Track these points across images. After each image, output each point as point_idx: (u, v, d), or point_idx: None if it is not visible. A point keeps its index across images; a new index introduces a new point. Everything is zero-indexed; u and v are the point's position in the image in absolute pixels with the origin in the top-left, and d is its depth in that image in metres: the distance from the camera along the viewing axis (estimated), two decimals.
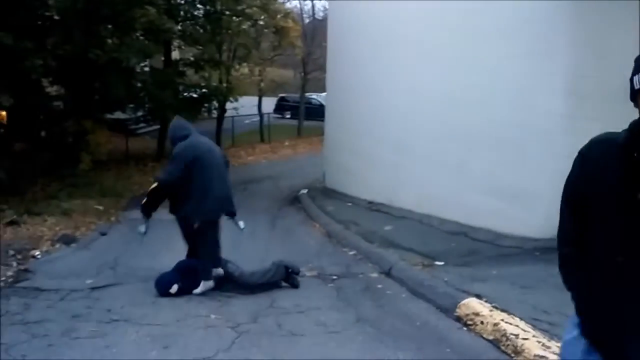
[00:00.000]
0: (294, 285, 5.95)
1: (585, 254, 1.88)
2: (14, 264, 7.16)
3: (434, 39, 8.41)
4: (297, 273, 6.07)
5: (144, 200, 6.20)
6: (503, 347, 3.97)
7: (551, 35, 6.69)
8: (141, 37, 15.44)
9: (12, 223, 9.09)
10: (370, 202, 10.20)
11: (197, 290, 5.63)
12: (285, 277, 5.96)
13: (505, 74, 7.19)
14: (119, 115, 20.16)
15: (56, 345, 4.33)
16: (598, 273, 1.83)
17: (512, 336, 3.91)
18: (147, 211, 6.13)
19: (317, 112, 29.16)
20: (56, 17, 14.12)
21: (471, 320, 4.45)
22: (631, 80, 1.76)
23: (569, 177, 1.99)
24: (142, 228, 6.16)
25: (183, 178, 5.54)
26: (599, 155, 1.85)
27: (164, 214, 6.29)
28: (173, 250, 6.55)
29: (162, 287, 5.63)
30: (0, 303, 5.30)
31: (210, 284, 5.70)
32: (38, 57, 12.07)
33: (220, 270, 5.79)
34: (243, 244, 7.41)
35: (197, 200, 5.56)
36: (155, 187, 5.97)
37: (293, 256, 6.82)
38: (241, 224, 6.14)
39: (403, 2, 9.16)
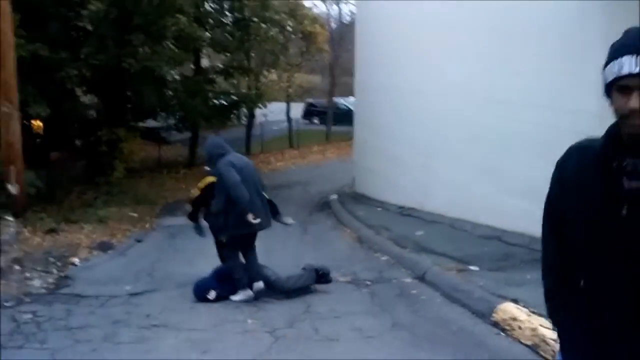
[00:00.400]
0: (327, 281, 6.02)
1: (572, 285, 1.63)
2: (54, 270, 7.36)
3: (464, 40, 8.36)
4: (328, 273, 6.14)
5: (190, 211, 6.41)
6: (542, 352, 3.94)
7: (583, 35, 6.61)
8: (172, 46, 15.72)
9: (50, 231, 9.32)
10: (400, 207, 10.17)
11: (235, 298, 5.70)
12: (317, 279, 6.03)
13: (537, 75, 7.11)
14: (151, 123, 20.59)
15: (99, 350, 4.44)
16: (583, 309, 1.61)
17: (551, 341, 3.87)
18: (194, 218, 6.33)
19: (345, 117, 29.15)
20: (89, 28, 14.48)
21: (508, 325, 4.42)
22: (603, 71, 1.49)
23: (548, 193, 1.77)
24: (198, 230, 6.43)
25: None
26: (577, 166, 1.63)
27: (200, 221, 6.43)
28: (208, 256, 6.66)
29: (200, 292, 5.73)
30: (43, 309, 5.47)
31: (249, 293, 5.76)
32: (73, 67, 12.39)
33: (260, 284, 5.84)
34: (276, 249, 7.48)
35: (236, 216, 5.59)
36: (202, 190, 6.18)
37: (325, 261, 6.84)
38: (289, 220, 6.25)
39: (431, 3, 9.13)
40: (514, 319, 4.39)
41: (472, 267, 6.22)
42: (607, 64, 1.46)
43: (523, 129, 7.27)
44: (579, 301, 1.61)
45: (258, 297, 5.78)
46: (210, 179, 6.11)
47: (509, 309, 4.57)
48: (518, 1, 7.35)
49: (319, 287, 6.04)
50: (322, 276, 6.07)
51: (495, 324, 4.58)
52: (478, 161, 8.13)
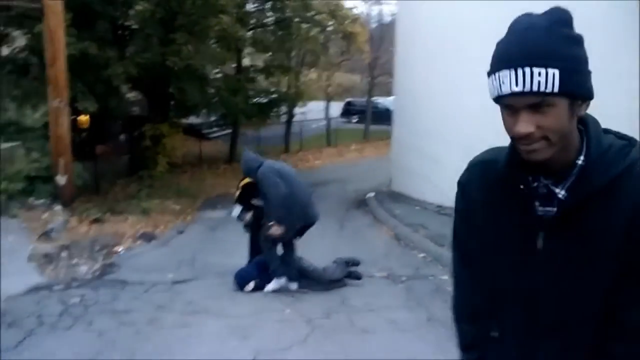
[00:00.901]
0: (357, 277, 6.12)
1: (484, 334, 1.42)
2: (100, 258, 7.65)
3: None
4: (357, 264, 6.25)
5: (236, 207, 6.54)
6: None
7: (619, 35, 6.55)
8: (214, 45, 15.99)
9: (96, 221, 9.63)
10: (439, 206, 10.16)
11: (269, 287, 5.86)
12: (348, 272, 6.17)
13: (625, 76, 7.01)
14: (192, 119, 21.00)
15: (143, 333, 4.64)
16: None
17: None
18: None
19: (383, 116, 29.16)
20: (135, 27, 14.89)
21: None
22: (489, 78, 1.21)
23: (454, 220, 1.53)
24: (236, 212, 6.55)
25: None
26: (481, 187, 1.37)
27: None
28: (246, 248, 6.81)
29: (241, 281, 5.90)
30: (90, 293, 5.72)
31: (282, 281, 5.91)
32: (119, 65, 12.76)
33: (294, 285, 6.00)
34: (313, 244, 7.58)
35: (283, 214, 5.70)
36: (244, 187, 6.33)
37: (361, 257, 6.93)
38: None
39: (472, 3, 9.11)
40: None
41: None
42: (488, 74, 1.21)
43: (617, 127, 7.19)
44: (491, 356, 1.41)
45: (305, 286, 5.95)
46: (246, 180, 6.29)
47: None
48: (557, 1, 7.29)
49: (354, 282, 6.14)
50: (352, 266, 6.21)
51: None
52: None
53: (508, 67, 1.13)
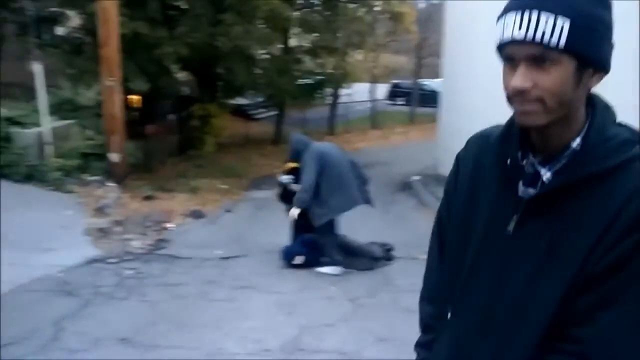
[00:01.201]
0: (388, 258, 6.18)
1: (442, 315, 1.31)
2: (151, 234, 7.90)
3: None
4: (390, 249, 6.35)
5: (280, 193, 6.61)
6: None
7: (619, 35, 6.35)
8: (261, 25, 16.08)
9: (147, 198, 9.92)
10: None
11: (323, 270, 5.94)
12: (383, 254, 6.28)
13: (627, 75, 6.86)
14: (239, 100, 21.25)
15: (194, 306, 4.82)
16: (447, 349, 1.30)
17: None
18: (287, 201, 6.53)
19: (429, 98, 28.78)
20: (185, 7, 15.11)
21: None
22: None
23: (443, 196, 1.40)
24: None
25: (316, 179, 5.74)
26: (474, 162, 1.26)
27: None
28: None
29: (287, 257, 6.04)
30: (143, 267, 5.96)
31: (338, 269, 5.94)
32: (169, 45, 13.00)
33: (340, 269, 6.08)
34: (357, 227, 7.65)
35: (332, 199, 5.75)
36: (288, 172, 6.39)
37: (406, 239, 6.98)
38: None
39: None
40: None
41: None
42: (497, 19, 1.07)
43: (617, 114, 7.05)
44: (444, 339, 1.30)
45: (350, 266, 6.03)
46: (292, 165, 6.35)
47: None
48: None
49: (397, 263, 6.20)
50: (388, 251, 6.27)
51: None
52: None
53: (516, 9, 1.00)
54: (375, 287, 5.35)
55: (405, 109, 29.79)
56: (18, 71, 11.90)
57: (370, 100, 27.07)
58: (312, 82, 20.18)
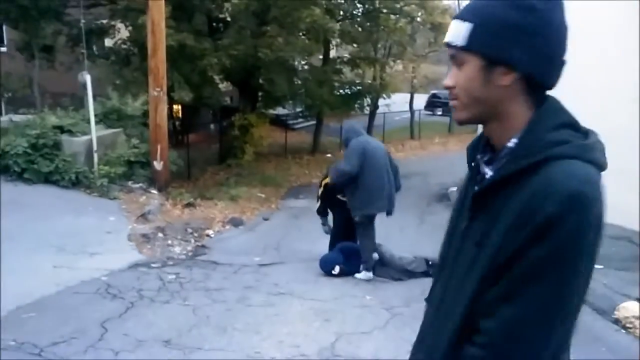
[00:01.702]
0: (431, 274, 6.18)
1: None
2: (192, 240, 8.10)
3: (602, 36, 8.04)
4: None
5: (318, 205, 6.71)
6: None
7: (619, 35, 6.28)
8: (302, 36, 16.29)
9: (188, 205, 10.16)
10: None
11: (359, 276, 6.04)
12: (426, 270, 6.22)
13: (628, 76, 6.77)
14: (278, 110, 21.51)
15: (233, 310, 4.94)
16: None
17: None
18: (324, 212, 6.70)
19: None
20: (229, 19, 15.45)
21: (630, 323, 4.36)
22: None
23: None
24: (326, 229, 6.79)
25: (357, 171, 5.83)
26: (472, 156, 1.32)
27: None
28: (328, 237, 7.00)
29: (326, 266, 6.12)
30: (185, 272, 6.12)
31: (370, 275, 6.06)
32: (214, 56, 13.31)
33: (375, 255, 6.15)
34: (393, 236, 7.70)
35: (367, 195, 5.83)
36: (326, 185, 6.45)
37: None
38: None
39: None
40: (637, 317, 4.31)
41: (596, 266, 6.05)
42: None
43: None
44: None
45: (383, 275, 6.10)
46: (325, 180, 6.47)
47: (631, 307, 4.50)
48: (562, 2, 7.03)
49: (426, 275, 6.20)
50: (431, 267, 6.25)
51: (617, 321, 4.52)
52: (610, 160, 7.76)
53: (456, 17, 1.17)
54: (411, 297, 5.37)
55: (444, 119, 29.64)
56: (68, 81, 12.39)
57: (408, 111, 27.01)
58: (351, 92, 20.27)
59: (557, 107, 1.16)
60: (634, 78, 6.80)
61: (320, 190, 6.60)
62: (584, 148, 1.09)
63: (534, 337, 1.06)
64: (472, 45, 1.12)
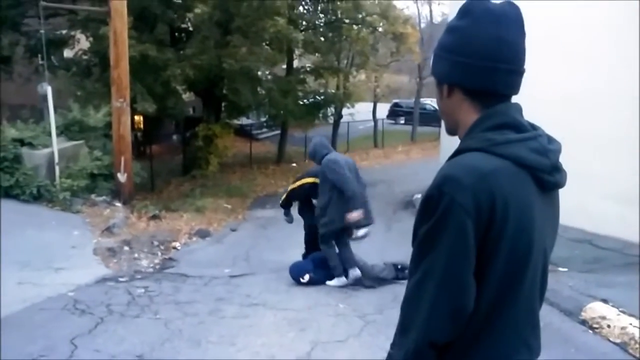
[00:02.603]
0: (405, 278, 6.24)
1: None
2: (159, 253, 7.99)
3: (551, 40, 8.26)
4: (406, 269, 6.38)
5: (283, 199, 6.82)
6: (631, 351, 4.00)
7: (619, 35, 6.51)
8: (266, 46, 16.30)
9: (154, 217, 10.03)
10: None
11: (330, 283, 6.06)
12: (395, 275, 6.31)
13: (628, 75, 7.00)
14: (242, 120, 21.45)
15: (206, 323, 4.89)
16: None
17: None
18: (287, 205, 6.79)
19: (430, 117, 29.05)
20: (191, 29, 15.36)
21: (597, 323, 4.48)
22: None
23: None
24: (288, 219, 6.87)
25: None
26: None
27: (293, 213, 6.82)
28: (297, 245, 7.03)
29: (296, 273, 6.12)
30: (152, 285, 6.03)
31: (343, 279, 6.10)
32: (177, 66, 13.21)
33: (357, 272, 6.16)
34: (361, 245, 7.72)
35: (342, 208, 5.86)
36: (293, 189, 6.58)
37: (409, 258, 7.03)
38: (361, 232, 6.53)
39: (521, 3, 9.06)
40: (603, 318, 4.45)
41: (561, 269, 6.23)
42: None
43: (616, 131, 7.17)
44: None
45: (356, 283, 6.10)
46: (309, 180, 6.47)
47: (598, 308, 4.63)
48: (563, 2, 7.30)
49: (403, 280, 6.27)
50: (400, 271, 6.33)
51: (584, 322, 4.65)
52: (571, 164, 7.92)
53: None
54: (384, 304, 5.41)
55: (407, 127, 30.01)
56: (27, 93, 12.10)
57: (372, 120, 27.27)
58: (315, 101, 20.36)
59: (498, 111, 1.28)
60: (634, 78, 6.97)
61: (290, 187, 6.69)
62: (493, 142, 1.23)
63: (413, 304, 1.23)
64: (431, 70, 1.38)
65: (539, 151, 1.26)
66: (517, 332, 1.28)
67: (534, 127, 1.31)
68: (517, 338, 1.29)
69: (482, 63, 1.25)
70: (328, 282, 6.07)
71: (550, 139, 1.33)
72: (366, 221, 6.10)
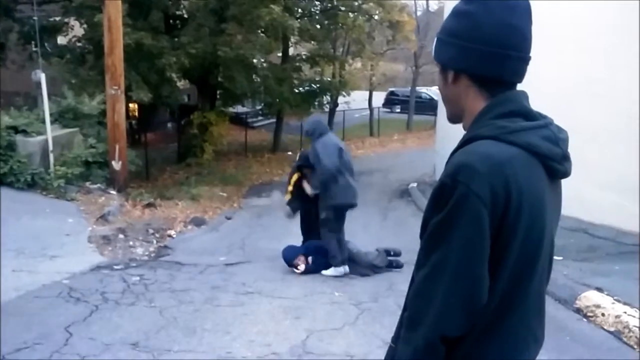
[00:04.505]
0: (398, 266, 6.26)
1: None
2: (154, 241, 7.98)
3: (548, 30, 8.24)
4: (399, 255, 6.45)
5: (289, 199, 6.62)
6: (625, 339, 4.02)
7: (619, 35, 6.52)
8: (262, 34, 16.21)
9: (149, 205, 10.01)
10: None
11: (327, 272, 6.06)
12: (389, 262, 6.36)
13: (626, 66, 6.99)
14: (238, 108, 21.38)
15: (201, 311, 4.89)
16: None
17: (635, 328, 3.95)
18: (297, 208, 6.62)
19: (426, 106, 29.03)
20: (186, 16, 15.24)
21: (591, 312, 4.50)
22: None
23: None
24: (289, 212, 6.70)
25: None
26: None
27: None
28: (293, 234, 7.04)
29: (289, 257, 6.14)
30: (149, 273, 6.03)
31: (341, 270, 6.09)
32: (172, 54, 13.11)
33: (346, 269, 6.17)
34: (357, 233, 7.75)
35: (343, 191, 5.91)
36: (297, 182, 6.47)
37: (405, 246, 7.05)
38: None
39: None
40: (598, 306, 4.47)
41: (556, 257, 6.20)
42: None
43: (611, 121, 7.18)
44: None
45: (351, 272, 6.13)
46: (296, 176, 6.46)
47: (592, 297, 4.65)
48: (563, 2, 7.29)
49: (400, 268, 6.29)
50: (393, 257, 6.36)
51: (578, 310, 4.67)
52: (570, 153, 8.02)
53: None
54: (379, 292, 5.43)
55: (402, 116, 29.99)
56: (21, 80, 11.99)
57: (368, 108, 27.22)
58: (311, 89, 20.30)
59: (507, 98, 1.26)
60: (630, 68, 6.97)
61: (290, 188, 6.59)
62: (506, 130, 1.20)
63: (426, 293, 1.18)
64: (434, 56, 1.34)
65: (551, 139, 1.24)
66: (527, 325, 1.26)
67: (542, 116, 1.29)
68: (527, 331, 1.27)
69: (493, 50, 1.22)
70: (324, 272, 6.06)
71: (559, 128, 1.30)
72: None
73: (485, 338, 1.21)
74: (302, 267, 6.09)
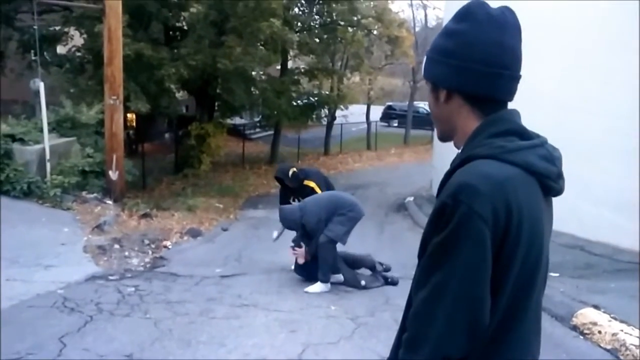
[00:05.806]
0: (394, 283, 6.24)
1: None
2: (150, 252, 7.94)
3: (545, 45, 8.30)
4: (388, 270, 6.48)
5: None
6: (622, 357, 4.00)
7: (619, 35, 6.56)
8: (261, 47, 16.29)
9: (145, 216, 9.97)
10: None
11: (311, 289, 5.94)
12: (385, 279, 6.31)
13: (622, 83, 7.04)
14: (235, 120, 21.43)
15: (197, 323, 4.85)
16: None
17: (631, 346, 3.94)
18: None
19: (424, 120, 29.14)
20: (186, 28, 15.31)
21: (588, 329, 4.48)
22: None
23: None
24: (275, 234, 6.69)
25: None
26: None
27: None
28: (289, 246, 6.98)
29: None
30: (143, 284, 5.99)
31: (326, 287, 6.01)
32: (172, 66, 13.15)
33: (340, 277, 6.15)
34: (354, 246, 7.70)
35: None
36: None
37: (401, 260, 7.04)
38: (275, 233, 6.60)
39: (519, 3, 9.10)
40: (594, 324, 4.45)
41: (552, 274, 6.24)
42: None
43: (609, 138, 7.20)
44: None
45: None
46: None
47: (589, 314, 4.63)
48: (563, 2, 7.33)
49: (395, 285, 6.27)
50: (387, 275, 6.36)
51: (575, 328, 4.65)
52: (564, 170, 8.03)
53: None
54: (375, 307, 5.41)
55: (400, 130, 30.08)
56: (19, 88, 12.00)
57: (365, 122, 27.31)
58: (309, 102, 20.38)
59: (501, 117, 1.27)
60: (628, 85, 7.01)
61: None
62: (503, 149, 1.20)
63: (427, 314, 1.16)
64: (424, 74, 1.34)
65: (547, 158, 1.25)
66: (527, 344, 1.26)
67: (536, 135, 1.29)
68: (527, 348, 1.26)
69: (486, 69, 1.23)
70: (308, 289, 5.93)
71: (553, 147, 1.31)
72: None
73: (487, 356, 1.20)
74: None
